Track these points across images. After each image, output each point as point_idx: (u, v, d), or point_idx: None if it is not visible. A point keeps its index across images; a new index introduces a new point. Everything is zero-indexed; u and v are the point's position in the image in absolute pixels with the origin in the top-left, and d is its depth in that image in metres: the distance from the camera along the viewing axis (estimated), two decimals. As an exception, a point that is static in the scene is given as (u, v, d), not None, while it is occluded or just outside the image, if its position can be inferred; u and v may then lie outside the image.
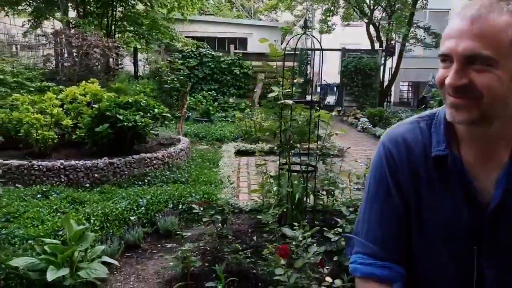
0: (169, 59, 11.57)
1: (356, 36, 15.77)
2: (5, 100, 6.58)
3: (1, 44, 8.72)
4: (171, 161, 5.33)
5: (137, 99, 4.98)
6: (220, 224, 3.40)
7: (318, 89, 15.06)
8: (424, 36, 12.86)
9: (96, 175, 4.62)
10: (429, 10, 14.81)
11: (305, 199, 3.34)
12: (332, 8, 15.07)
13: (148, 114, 5.03)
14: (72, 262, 2.66)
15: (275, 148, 3.74)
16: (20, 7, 12.03)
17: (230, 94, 11.81)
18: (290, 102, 3.15)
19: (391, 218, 1.01)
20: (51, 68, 9.25)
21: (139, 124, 4.79)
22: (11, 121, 5.13)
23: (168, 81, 8.79)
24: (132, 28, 13.31)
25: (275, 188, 3.73)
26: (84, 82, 5.74)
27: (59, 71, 9.02)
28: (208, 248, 3.35)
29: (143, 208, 3.80)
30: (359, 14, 13.85)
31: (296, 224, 2.60)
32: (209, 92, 10.51)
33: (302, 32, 3.70)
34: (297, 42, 3.82)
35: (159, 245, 3.53)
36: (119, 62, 11.16)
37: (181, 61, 11.64)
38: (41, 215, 3.39)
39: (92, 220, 3.33)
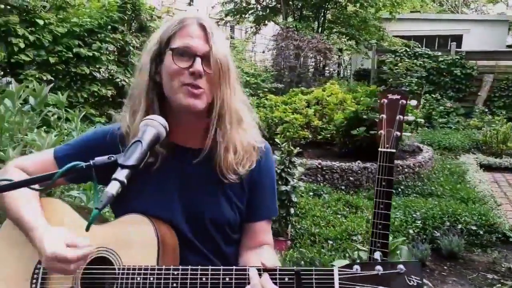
0: (381, 59, 11.18)
1: None
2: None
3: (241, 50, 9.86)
4: (421, 171, 4.94)
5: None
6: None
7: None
8: None
9: (350, 178, 4.61)
10: None
11: None
12: None
13: (403, 119, 4.75)
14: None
15: None
16: (245, 16, 13.50)
17: (448, 97, 10.62)
18: None
19: None
20: (277, 70, 10.00)
21: (397, 129, 4.55)
22: (266, 119, 5.59)
23: (405, 83, 8.43)
24: (340, 29, 13.41)
25: None
26: (328, 83, 5.85)
27: (283, 73, 9.66)
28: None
29: (419, 222, 3.54)
30: None
31: None
32: (432, 95, 9.66)
33: None
34: None
35: (445, 267, 3.20)
36: (330, 64, 11.34)
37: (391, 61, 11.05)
38: (325, 215, 3.48)
39: (377, 229, 3.23)
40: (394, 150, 1.36)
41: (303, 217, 3.43)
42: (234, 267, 1.06)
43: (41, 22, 4.08)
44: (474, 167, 5.91)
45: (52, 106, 2.23)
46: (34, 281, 1.17)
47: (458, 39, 14.53)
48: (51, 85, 2.01)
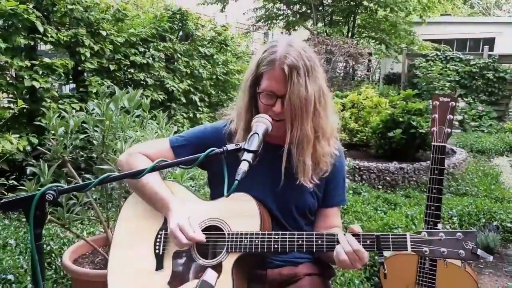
0: (411, 63, 11.27)
1: None
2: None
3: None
4: (455, 172, 5.11)
5: (427, 106, 4.95)
6: None
7: None
8: None
9: (387, 178, 4.83)
10: None
11: None
12: None
13: (438, 122, 4.94)
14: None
15: None
16: (276, 21, 13.86)
17: (480, 101, 10.61)
18: None
19: None
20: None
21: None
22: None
23: (438, 87, 8.58)
24: (370, 34, 13.55)
25: None
26: (364, 87, 6.08)
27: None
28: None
29: (455, 218, 3.74)
30: None
31: None
32: (463, 99, 9.72)
33: None
34: None
35: (482, 260, 3.40)
36: (361, 68, 11.50)
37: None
38: (366, 210, 3.74)
39: (415, 223, 3.46)
40: (445, 144, 1.64)
41: (345, 212, 3.69)
42: (325, 232, 1.35)
43: (104, 33, 4.52)
44: (508, 169, 6.01)
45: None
46: (157, 243, 1.50)
47: (490, 42, 14.40)
48: (141, 90, 2.37)
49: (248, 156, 1.19)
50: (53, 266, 2.80)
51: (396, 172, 4.85)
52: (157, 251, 1.48)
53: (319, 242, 1.33)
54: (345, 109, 6.03)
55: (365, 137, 5.61)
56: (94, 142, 2.15)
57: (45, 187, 1.10)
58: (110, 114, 2.04)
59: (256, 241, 1.38)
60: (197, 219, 1.45)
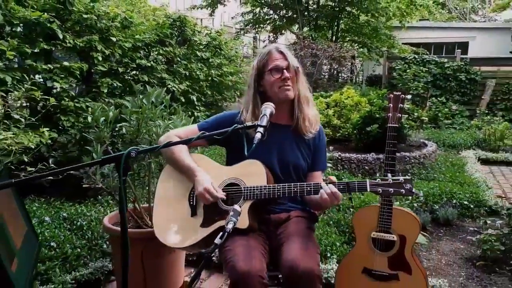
0: (391, 66, 12.03)
1: None
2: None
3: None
4: (425, 162, 5.80)
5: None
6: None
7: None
8: None
9: (366, 167, 5.50)
10: None
11: None
12: None
13: (410, 117, 5.63)
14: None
15: None
16: (264, 26, 14.49)
17: (454, 100, 11.43)
18: None
19: None
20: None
21: (405, 126, 5.43)
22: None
23: (413, 87, 9.30)
24: (353, 38, 14.30)
25: None
26: (345, 88, 6.74)
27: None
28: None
29: (422, 198, 4.41)
30: None
31: None
32: (438, 99, 10.51)
33: None
34: None
35: (441, 230, 4.07)
36: (344, 70, 12.19)
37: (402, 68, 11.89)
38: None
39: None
40: (397, 125, 2.27)
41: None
42: (312, 183, 1.97)
43: (114, 39, 5.06)
44: (472, 160, 6.74)
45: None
46: (191, 197, 2.09)
47: (464, 45, 15.32)
48: (164, 88, 2.95)
49: (260, 129, 1.79)
50: (86, 237, 3.34)
51: (373, 162, 5.52)
52: (191, 202, 2.07)
53: (308, 188, 1.95)
54: (329, 108, 6.68)
55: (346, 133, 6.27)
56: (130, 129, 2.72)
57: (129, 148, 1.68)
58: (145, 107, 2.62)
59: (264, 191, 1.98)
60: (220, 180, 2.05)
